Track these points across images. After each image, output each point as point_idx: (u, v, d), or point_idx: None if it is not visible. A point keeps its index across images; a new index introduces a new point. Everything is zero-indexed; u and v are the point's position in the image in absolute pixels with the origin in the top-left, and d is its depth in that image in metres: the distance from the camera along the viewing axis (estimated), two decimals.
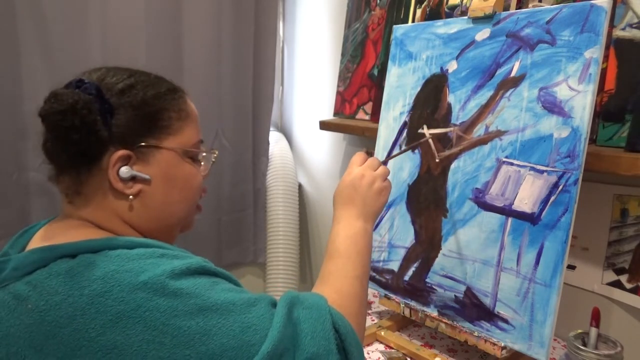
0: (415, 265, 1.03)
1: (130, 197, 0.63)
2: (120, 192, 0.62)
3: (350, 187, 0.78)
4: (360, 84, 1.46)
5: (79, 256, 0.54)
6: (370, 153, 0.86)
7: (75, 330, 0.49)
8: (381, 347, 1.04)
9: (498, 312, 0.88)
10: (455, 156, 0.97)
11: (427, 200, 1.01)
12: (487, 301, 0.90)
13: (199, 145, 0.70)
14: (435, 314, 0.98)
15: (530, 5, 0.96)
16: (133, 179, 0.63)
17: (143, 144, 0.63)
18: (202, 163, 0.72)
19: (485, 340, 0.90)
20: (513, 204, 0.87)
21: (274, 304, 0.58)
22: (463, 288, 0.94)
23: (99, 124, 0.59)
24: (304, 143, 1.95)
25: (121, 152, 0.61)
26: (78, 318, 0.49)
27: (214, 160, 0.74)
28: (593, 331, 0.85)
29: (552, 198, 0.82)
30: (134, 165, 0.62)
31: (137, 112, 0.62)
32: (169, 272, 0.53)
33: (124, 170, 0.61)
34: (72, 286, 0.51)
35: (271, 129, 1.92)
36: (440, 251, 0.98)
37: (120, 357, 0.48)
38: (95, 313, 0.49)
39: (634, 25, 0.85)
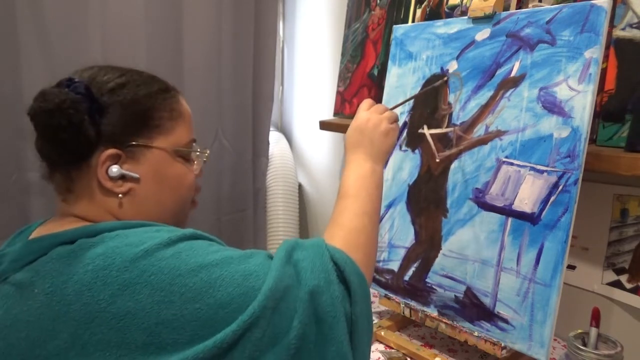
0: (415, 265, 1.03)
1: (120, 195, 0.63)
2: (110, 191, 0.62)
3: (357, 131, 0.80)
4: (360, 84, 1.46)
5: (78, 241, 0.55)
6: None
7: (85, 304, 0.50)
8: (381, 347, 1.04)
9: (498, 312, 0.88)
10: (455, 156, 0.97)
11: (427, 200, 1.01)
12: (487, 301, 0.90)
13: (190, 144, 0.71)
14: (435, 314, 0.98)
15: (530, 5, 0.96)
16: (123, 177, 0.63)
17: (133, 143, 0.63)
18: (195, 162, 0.72)
19: (485, 340, 0.90)
20: (513, 204, 0.87)
21: (270, 257, 0.60)
22: (463, 288, 0.94)
23: (86, 123, 0.59)
24: (304, 143, 1.95)
25: (110, 151, 0.61)
26: (85, 293, 0.50)
27: (205, 159, 0.74)
28: (593, 331, 0.85)
29: (552, 198, 0.82)
30: (123, 164, 0.63)
31: (127, 112, 0.63)
32: (167, 240, 0.55)
33: (113, 170, 0.62)
34: (75, 266, 0.52)
35: (271, 129, 1.92)
36: (440, 251, 0.98)
37: (135, 321, 0.49)
38: (102, 285, 0.50)
39: (634, 25, 0.85)
